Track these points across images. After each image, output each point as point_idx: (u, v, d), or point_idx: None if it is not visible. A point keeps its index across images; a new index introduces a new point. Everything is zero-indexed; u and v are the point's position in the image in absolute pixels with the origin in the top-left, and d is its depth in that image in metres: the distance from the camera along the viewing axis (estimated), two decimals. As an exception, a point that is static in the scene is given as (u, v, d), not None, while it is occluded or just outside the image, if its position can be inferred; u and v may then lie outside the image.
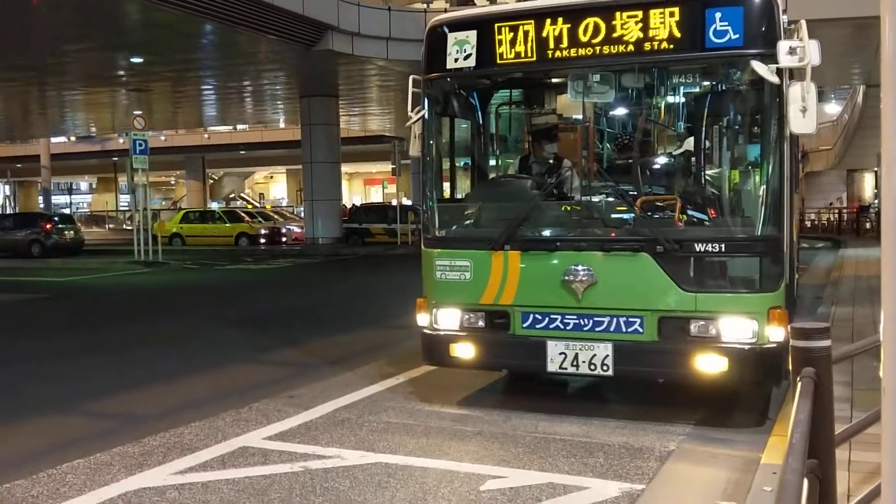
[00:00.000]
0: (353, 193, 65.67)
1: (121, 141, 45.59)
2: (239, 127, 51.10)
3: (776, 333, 5.39)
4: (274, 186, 72.85)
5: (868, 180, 40.54)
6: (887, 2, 1.24)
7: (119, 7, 16.02)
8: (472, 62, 6.11)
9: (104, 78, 24.26)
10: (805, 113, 5.05)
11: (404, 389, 7.19)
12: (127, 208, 46.62)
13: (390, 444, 5.59)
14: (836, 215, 34.13)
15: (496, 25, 5.97)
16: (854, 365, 6.38)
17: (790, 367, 3.04)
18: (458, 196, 7.37)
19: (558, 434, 5.75)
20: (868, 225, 30.45)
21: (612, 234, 5.92)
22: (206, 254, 27.02)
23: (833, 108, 42.31)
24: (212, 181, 63.60)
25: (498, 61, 6.03)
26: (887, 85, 1.27)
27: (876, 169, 35.97)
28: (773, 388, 6.11)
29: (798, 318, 10.00)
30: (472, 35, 6.09)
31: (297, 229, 32.41)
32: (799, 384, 2.77)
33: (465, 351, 6.22)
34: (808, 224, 32.04)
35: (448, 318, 6.28)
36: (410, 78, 6.42)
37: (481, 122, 7.40)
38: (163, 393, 7.46)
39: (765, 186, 5.54)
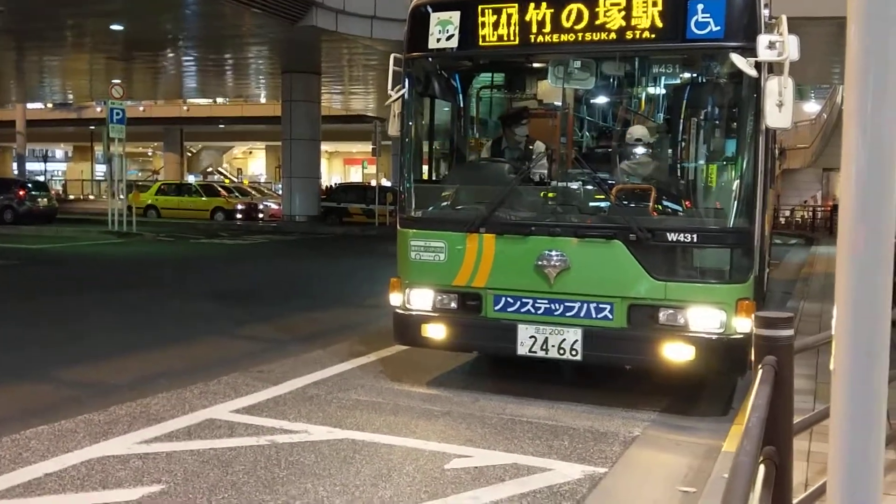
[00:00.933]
0: (333, 172, 65.34)
1: (98, 109, 45.00)
2: (219, 100, 50.63)
3: (743, 324, 5.47)
4: (253, 162, 72.30)
5: (843, 180, 40.85)
6: (853, 7, 1.26)
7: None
8: (454, 43, 6.11)
9: (83, 45, 23.91)
10: (781, 108, 5.08)
11: (375, 368, 7.21)
12: (103, 178, 46.10)
13: (358, 421, 5.61)
14: (811, 213, 34.51)
15: (480, 7, 5.97)
16: (819, 358, 6.49)
17: (753, 357, 3.09)
18: (436, 177, 7.37)
19: (525, 416, 5.80)
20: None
21: (588, 221, 5.96)
22: (181, 227, 26.80)
23: (812, 107, 42.65)
24: (190, 154, 63.02)
25: (480, 43, 6.02)
26: (851, 79, 1.30)
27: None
28: (738, 377, 6.19)
29: (766, 311, 10.13)
30: (455, 16, 6.08)
31: (274, 206, 32.22)
32: (760, 371, 2.82)
33: (436, 332, 6.24)
34: (783, 220, 32.35)
35: (421, 299, 6.30)
36: (392, 56, 6.39)
37: (461, 103, 7.39)
38: (132, 363, 7.41)
39: (738, 179, 5.60)
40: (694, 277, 5.66)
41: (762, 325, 3.00)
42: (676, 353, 5.62)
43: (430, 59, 6.45)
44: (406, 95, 6.36)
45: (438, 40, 6.14)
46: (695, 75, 6.69)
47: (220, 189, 34.46)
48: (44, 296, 11.81)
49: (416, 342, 6.51)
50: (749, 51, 5.24)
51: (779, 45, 5.09)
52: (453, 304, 6.22)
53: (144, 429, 5.30)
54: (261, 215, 31.74)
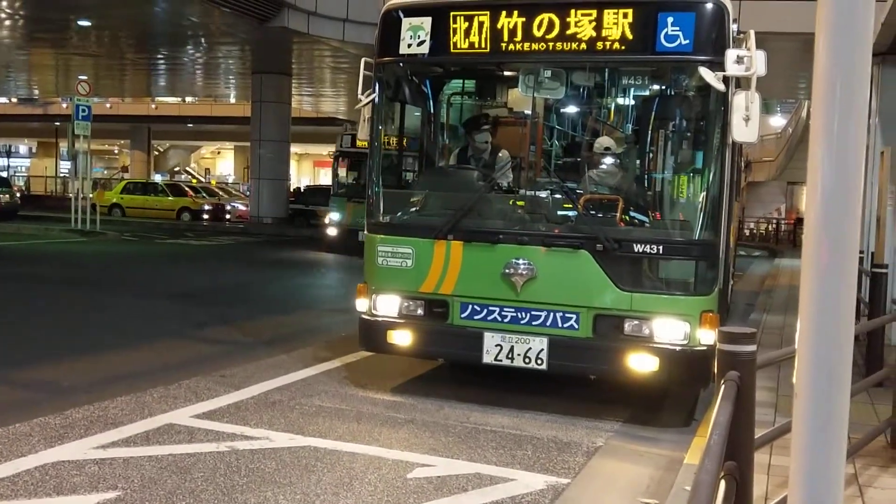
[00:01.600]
0: (303, 175, 64.96)
1: (64, 105, 44.31)
2: (188, 99, 50.10)
3: (707, 336, 5.50)
4: (221, 162, 71.61)
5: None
6: (821, 23, 1.26)
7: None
8: (425, 49, 6.10)
9: (49, 40, 23.54)
10: (748, 122, 5.12)
11: (339, 374, 7.15)
12: (66, 174, 45.38)
13: (320, 428, 5.55)
14: (774, 225, 35.00)
15: (451, 14, 5.96)
16: (780, 371, 6.56)
17: (716, 371, 3.10)
18: (405, 183, 7.33)
19: (489, 425, 5.78)
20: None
21: (556, 231, 5.95)
22: (146, 226, 26.47)
23: (778, 121, 43.28)
24: (157, 153, 62.27)
25: (451, 50, 6.02)
26: (818, 100, 1.30)
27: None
28: (701, 389, 6.23)
29: (730, 324, 10.23)
30: (426, 21, 6.07)
31: (242, 207, 31.92)
32: (722, 387, 2.82)
33: (402, 338, 6.21)
34: (747, 233, 32.76)
35: (387, 305, 6.27)
36: (362, 60, 6.38)
37: (432, 109, 7.38)
38: (90, 366, 7.28)
39: (705, 192, 5.65)
40: (659, 289, 5.69)
41: (725, 341, 3.01)
42: (641, 364, 5.64)
43: (400, 64, 6.43)
44: (376, 100, 6.33)
45: (409, 46, 6.12)
46: (664, 87, 6.73)
47: (186, 189, 34.07)
48: None
49: (382, 348, 6.47)
50: (717, 65, 5.29)
51: (747, 60, 5.14)
52: (420, 311, 6.20)
53: (101, 433, 5.20)
54: (228, 216, 31.43)
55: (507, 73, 6.81)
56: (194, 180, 51.85)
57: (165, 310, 10.56)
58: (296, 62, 26.19)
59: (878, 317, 6.98)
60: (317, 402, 6.20)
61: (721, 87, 5.31)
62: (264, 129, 27.39)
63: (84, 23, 20.58)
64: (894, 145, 9.01)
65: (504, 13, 5.82)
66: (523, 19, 5.78)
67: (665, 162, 6.55)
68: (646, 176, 6.79)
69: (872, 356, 6.88)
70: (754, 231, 34.83)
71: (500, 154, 6.93)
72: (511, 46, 5.84)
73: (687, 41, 5.45)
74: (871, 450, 4.98)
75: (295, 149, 43.17)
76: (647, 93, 6.98)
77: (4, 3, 18.82)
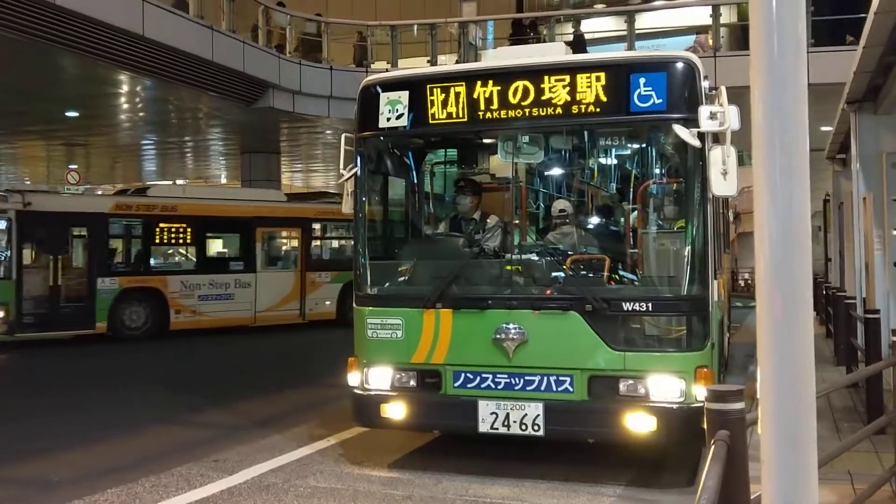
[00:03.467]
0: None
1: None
2: (179, 182, 50.43)
3: (703, 392, 5.41)
4: (215, 242, 71.84)
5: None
6: (755, 75, 1.26)
7: (55, 61, 15.80)
8: (404, 122, 6.19)
9: (38, 132, 23.81)
10: (726, 175, 5.15)
11: (335, 452, 7.02)
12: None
13: (315, 510, 5.42)
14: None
15: (428, 86, 6.07)
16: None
17: (706, 429, 3.04)
18: (391, 254, 7.33)
19: (489, 497, 5.67)
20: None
21: (547, 293, 5.94)
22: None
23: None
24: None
25: (430, 121, 6.12)
26: (758, 154, 1.29)
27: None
28: (702, 446, 6.10)
29: (730, 377, 10.13)
30: (403, 95, 6.18)
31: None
32: (712, 447, 2.77)
33: (396, 411, 6.13)
34: (742, 283, 32.72)
35: (379, 378, 6.21)
36: (343, 136, 6.46)
37: (414, 180, 7.43)
38: (77, 457, 7.14)
39: (690, 247, 5.65)
40: (651, 346, 5.66)
41: (713, 399, 2.96)
42: (638, 424, 5.57)
43: (381, 137, 6.51)
44: (359, 173, 6.38)
45: (388, 119, 6.22)
46: (642, 146, 6.80)
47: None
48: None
49: (376, 423, 6.38)
50: (692, 122, 5.35)
51: (720, 115, 5.19)
52: (412, 382, 6.14)
53: (90, 529, 5.07)
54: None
55: (486, 141, 6.89)
56: (188, 262, 51.89)
57: (155, 392, 10.43)
58: (284, 140, 26.47)
59: (874, 362, 6.92)
60: (312, 483, 6.07)
61: (696, 143, 5.36)
62: (255, 207, 27.49)
63: (72, 114, 20.84)
64: (876, 191, 9.08)
65: (479, 83, 5.94)
66: (499, 87, 5.88)
67: (648, 219, 6.56)
68: (630, 235, 6.80)
69: (872, 402, 6.81)
70: (749, 281, 34.81)
71: (485, 220, 6.95)
72: (488, 115, 5.94)
73: (660, 100, 5.56)
74: (876, 500, 4.88)
75: (287, 225, 43.29)
76: (626, 152, 7.06)
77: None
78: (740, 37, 20.53)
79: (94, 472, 6.49)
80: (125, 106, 20.70)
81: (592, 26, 26.26)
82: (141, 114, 22.26)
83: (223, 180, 44.31)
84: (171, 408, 9.46)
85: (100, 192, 26.53)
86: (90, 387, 11.28)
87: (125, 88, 18.38)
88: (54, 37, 13.81)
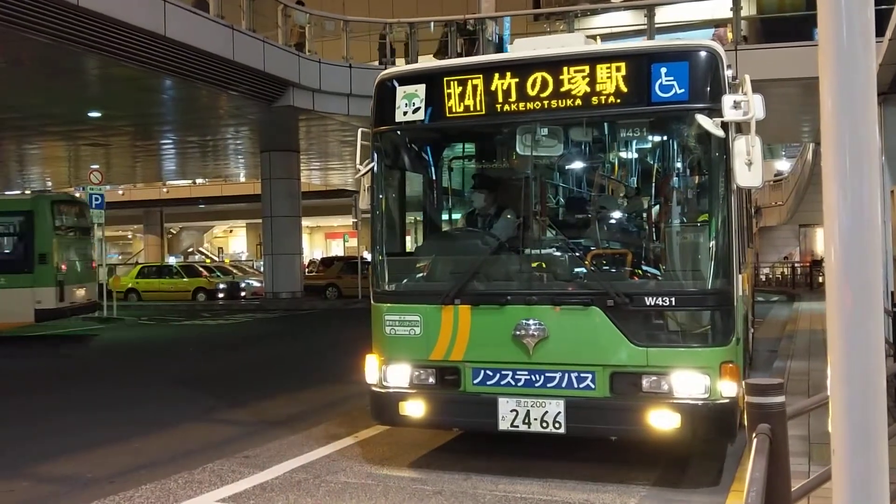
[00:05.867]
0: (315, 247, 65.30)
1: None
2: (198, 181, 50.76)
3: (729, 388, 5.35)
4: (233, 240, 72.20)
5: (820, 235, 41.48)
6: (824, 64, 1.27)
7: (79, 62, 15.95)
8: (420, 115, 6.10)
9: (61, 133, 24.04)
10: (751, 166, 5.05)
11: (361, 448, 7.05)
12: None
13: (347, 506, 5.45)
14: (790, 269, 34.77)
15: (445, 79, 5.98)
16: (811, 419, 6.41)
17: (746, 423, 3.04)
18: (408, 249, 7.28)
19: (519, 492, 5.67)
20: (821, 279, 31.10)
21: (569, 289, 5.85)
22: (163, 309, 26.56)
23: (784, 165, 43.41)
24: (170, 235, 62.88)
25: (447, 115, 6.02)
26: (827, 144, 1.30)
27: (827, 224, 36.76)
28: (727, 444, 6.05)
29: (754, 373, 10.08)
30: (420, 89, 6.08)
31: (256, 283, 32.06)
32: (754, 440, 2.76)
33: (415, 409, 6.05)
34: (763, 278, 32.55)
35: (397, 375, 6.13)
36: (359, 131, 6.41)
37: (432, 174, 7.36)
38: (112, 455, 7.22)
39: (714, 240, 5.53)
40: (675, 342, 5.54)
41: (753, 393, 2.96)
42: (662, 422, 5.46)
43: (398, 132, 6.42)
44: (375, 169, 6.32)
45: (405, 113, 6.11)
46: (664, 138, 6.65)
47: (201, 269, 34.29)
48: (20, 390, 11.55)
49: (395, 421, 6.31)
50: (715, 112, 5.24)
51: (744, 104, 5.10)
52: (431, 380, 6.04)
53: (126, 524, 5.13)
54: (243, 294, 31.54)
55: (505, 134, 6.68)
56: (208, 260, 52.24)
57: (184, 392, 10.51)
58: (303, 138, 26.58)
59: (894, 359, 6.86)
60: (342, 479, 6.11)
61: (720, 133, 5.26)
62: (275, 205, 27.66)
63: (94, 114, 21.03)
64: (904, 183, 9.00)
65: (497, 75, 5.81)
66: (517, 80, 5.76)
67: (671, 212, 6.40)
68: (653, 228, 6.69)
69: (893, 400, 6.74)
70: (770, 276, 34.60)
71: (503, 214, 6.85)
72: (506, 107, 5.81)
73: (682, 90, 5.42)
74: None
75: (306, 222, 43.53)
76: (647, 144, 6.93)
77: (22, 102, 19.27)
78: (760, 29, 20.39)
79: (126, 469, 6.56)
80: (146, 106, 20.84)
81: (611, 21, 26.15)
82: (162, 113, 22.42)
83: (242, 178, 44.57)
84: (201, 405, 9.52)
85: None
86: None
87: (147, 88, 18.50)
88: (78, 38, 13.93)
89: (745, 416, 3.03)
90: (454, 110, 5.96)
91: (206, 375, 12.04)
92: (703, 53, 5.50)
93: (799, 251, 41.62)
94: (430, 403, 6.02)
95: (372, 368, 6.23)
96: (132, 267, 38.05)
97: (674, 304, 5.50)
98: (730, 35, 18.42)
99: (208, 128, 24.98)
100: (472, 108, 5.90)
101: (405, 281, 6.52)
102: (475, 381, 5.90)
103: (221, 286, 31.69)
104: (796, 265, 35.39)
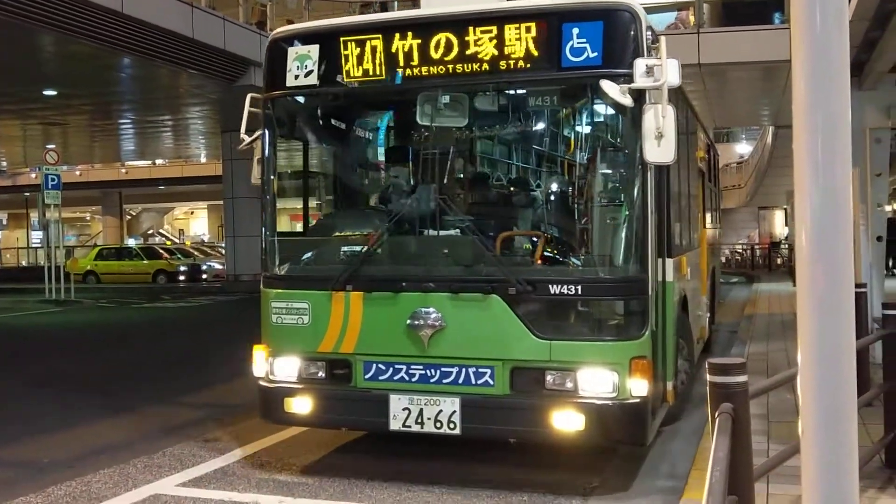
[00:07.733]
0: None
1: (33, 176, 44.04)
2: (158, 162, 50.04)
3: (639, 387, 4.88)
4: (194, 222, 71.35)
5: (778, 217, 42.17)
6: (797, 47, 1.26)
7: (33, 39, 15.56)
8: (313, 79, 5.54)
9: (15, 111, 23.48)
10: (661, 140, 4.53)
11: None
12: (38, 245, 44.88)
13: (311, 488, 5.42)
14: (749, 250, 35.32)
15: (340, 39, 5.44)
16: (770, 398, 6.52)
17: (708, 403, 3.06)
18: (300, 229, 6.76)
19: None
20: (779, 260, 31.66)
21: (468, 275, 5.29)
22: (122, 292, 26.19)
23: (744, 148, 43.98)
24: (129, 217, 61.96)
25: (342, 79, 5.46)
26: (799, 124, 1.29)
27: (786, 206, 37.43)
28: (638, 447, 5.55)
29: (714, 354, 10.23)
30: (314, 49, 5.53)
31: (218, 266, 31.72)
32: (717, 420, 2.79)
33: (301, 406, 5.53)
34: (723, 259, 33.02)
35: (285, 369, 5.62)
36: (248, 96, 5.77)
37: (327, 146, 6.86)
38: (70, 439, 7.10)
39: (626, 222, 5.07)
40: (581, 335, 5.06)
41: (715, 372, 2.99)
42: (565, 423, 4.94)
43: (289, 97, 5.84)
44: (266, 139, 5.76)
45: (297, 77, 5.56)
46: (576, 107, 6.07)
47: (161, 251, 33.87)
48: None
49: (280, 419, 5.79)
50: (629, 78, 4.70)
51: (656, 69, 4.57)
52: (320, 374, 5.53)
53: (85, 509, 5.05)
54: (204, 276, 31.21)
55: (405, 101, 6.05)
56: (168, 242, 51.62)
57: (145, 375, 10.38)
58: (265, 118, 26.31)
59: (860, 337, 6.99)
60: (305, 461, 6.07)
61: (627, 101, 4.72)
62: (237, 186, 27.30)
63: (50, 92, 20.57)
64: (860, 166, 9.14)
65: (398, 35, 5.27)
66: (419, 41, 5.23)
67: (582, 191, 5.82)
68: (563, 208, 6.04)
69: (860, 377, 6.85)
70: (730, 258, 35.10)
71: (402, 191, 6.17)
72: (407, 72, 5.28)
73: (595, 54, 4.87)
74: (866, 472, 4.95)
75: (268, 205, 43.21)
76: (559, 115, 6.34)
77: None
78: (722, 14, 20.54)
79: (85, 454, 6.46)
80: (104, 84, 20.44)
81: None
82: (120, 92, 22.02)
83: (203, 159, 44.02)
84: (162, 388, 9.41)
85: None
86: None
87: (104, 66, 18.13)
88: (32, 15, 13.58)
89: (708, 398, 3.05)
90: (351, 74, 5.39)
91: (167, 358, 11.89)
92: (620, 13, 4.94)
93: (758, 233, 42.27)
94: (317, 400, 5.51)
95: (259, 361, 5.73)
96: (90, 249, 37.44)
97: (580, 292, 5.00)
98: (691, 19, 18.55)
99: (168, 107, 24.62)
100: (369, 73, 5.35)
101: (294, 265, 5.99)
102: (367, 376, 5.39)
103: (182, 268, 31.34)
104: (755, 247, 35.96)
